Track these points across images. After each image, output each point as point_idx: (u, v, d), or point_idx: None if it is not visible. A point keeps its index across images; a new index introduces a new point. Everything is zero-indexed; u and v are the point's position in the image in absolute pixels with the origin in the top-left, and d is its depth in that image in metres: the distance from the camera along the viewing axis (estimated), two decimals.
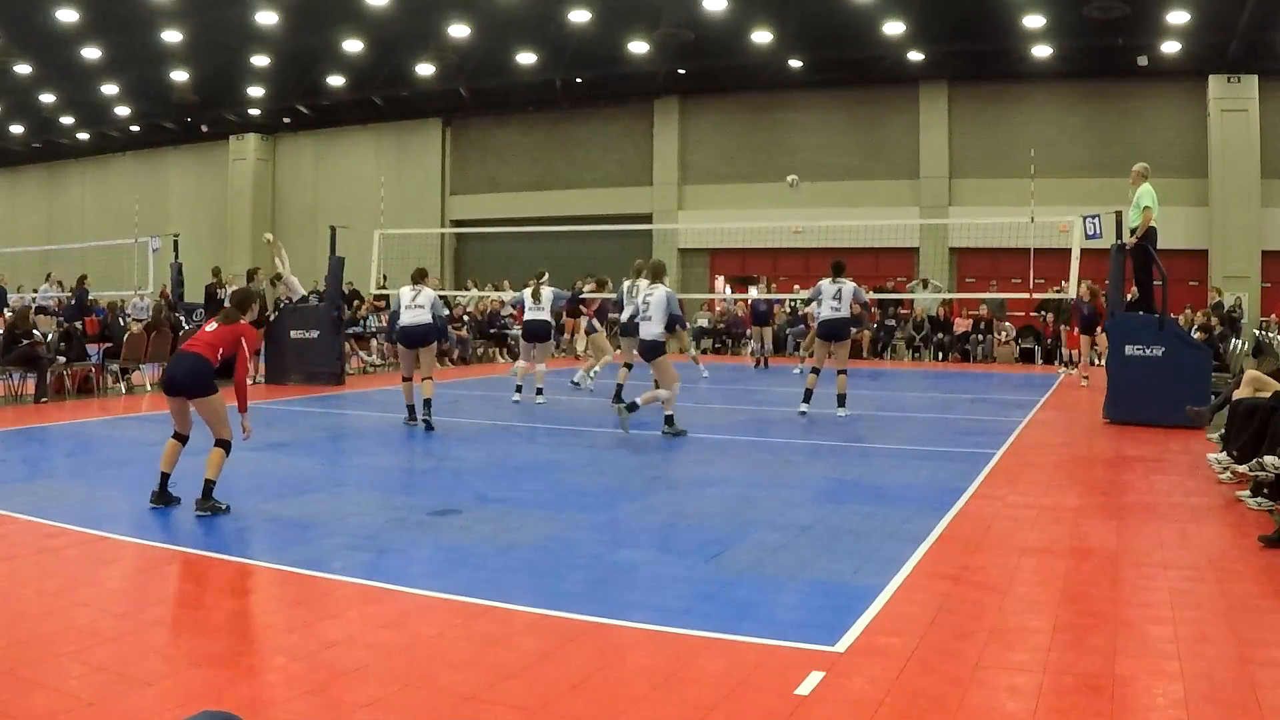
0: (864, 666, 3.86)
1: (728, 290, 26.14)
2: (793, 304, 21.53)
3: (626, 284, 12.55)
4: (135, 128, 33.19)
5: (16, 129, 33.87)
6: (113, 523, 6.13)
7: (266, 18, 23.50)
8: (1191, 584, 4.98)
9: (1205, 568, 5.27)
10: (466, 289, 24.89)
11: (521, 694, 3.61)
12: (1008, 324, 22.39)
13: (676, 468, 8.49)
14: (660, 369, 10.02)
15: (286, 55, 27.00)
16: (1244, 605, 4.65)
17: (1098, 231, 12.43)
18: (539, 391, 12.78)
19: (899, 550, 5.55)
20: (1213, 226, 22.48)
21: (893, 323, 23.08)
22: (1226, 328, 17.16)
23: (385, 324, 16.70)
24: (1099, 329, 15.01)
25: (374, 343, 19.12)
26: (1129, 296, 11.75)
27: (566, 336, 22.25)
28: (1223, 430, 7.89)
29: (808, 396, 11.37)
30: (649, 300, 10.15)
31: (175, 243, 18.07)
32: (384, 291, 18.15)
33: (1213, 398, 9.76)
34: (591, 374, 13.92)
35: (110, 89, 29.46)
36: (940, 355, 22.35)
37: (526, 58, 26.35)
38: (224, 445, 6.42)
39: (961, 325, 22.61)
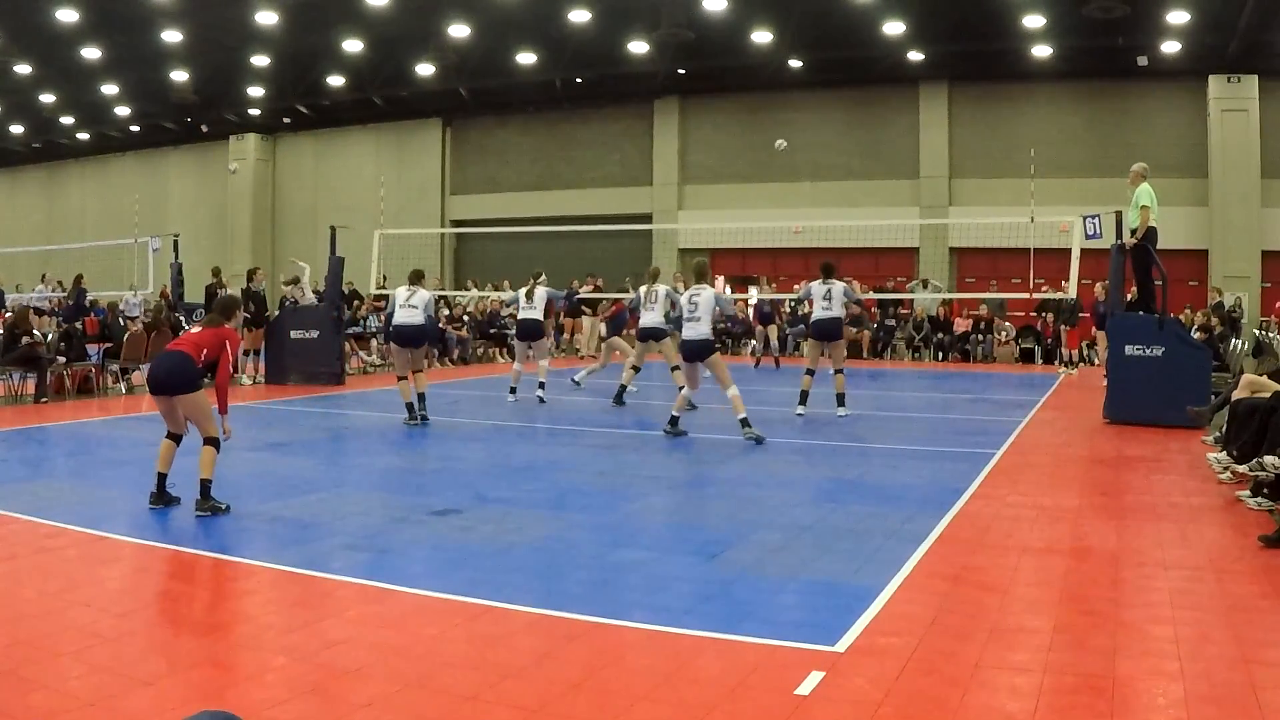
0: (864, 666, 3.86)
1: (728, 290, 26.13)
2: (792, 304, 21.54)
3: (643, 289, 12.56)
4: (135, 128, 33.21)
5: (16, 129, 33.88)
6: (113, 523, 6.13)
7: (266, 18, 23.50)
8: (1191, 584, 4.98)
9: (1205, 568, 5.27)
10: (466, 289, 24.90)
11: (521, 694, 3.61)
12: (1008, 324, 22.40)
13: (676, 468, 8.49)
14: (715, 368, 9.85)
15: (286, 55, 27.01)
16: (1244, 605, 4.65)
17: (1098, 231, 12.44)
18: (540, 385, 12.80)
19: (899, 550, 5.55)
20: (1213, 226, 22.48)
21: (893, 323, 23.08)
22: (1226, 328, 17.15)
23: (384, 324, 16.75)
24: None
25: (374, 343, 19.11)
26: (1129, 296, 11.76)
27: (566, 336, 22.31)
28: (1220, 431, 7.90)
29: (804, 399, 11.37)
30: (696, 300, 9.91)
31: (175, 243, 18.07)
32: (384, 291, 18.15)
33: (1213, 398, 9.75)
34: (589, 373, 14.08)
35: (110, 89, 29.47)
36: (940, 355, 22.35)
37: (526, 58, 26.35)
38: (213, 443, 6.43)
39: (961, 325, 22.61)
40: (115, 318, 18.52)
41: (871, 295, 21.22)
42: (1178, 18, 20.63)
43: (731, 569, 5.23)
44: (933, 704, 3.55)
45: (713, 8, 22.36)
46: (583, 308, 21.55)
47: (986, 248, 22.60)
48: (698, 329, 9.89)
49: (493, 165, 30.22)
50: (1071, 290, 14.24)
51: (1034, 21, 21.60)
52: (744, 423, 9.54)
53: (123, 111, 31.77)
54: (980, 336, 22.26)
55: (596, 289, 21.83)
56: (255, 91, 29.72)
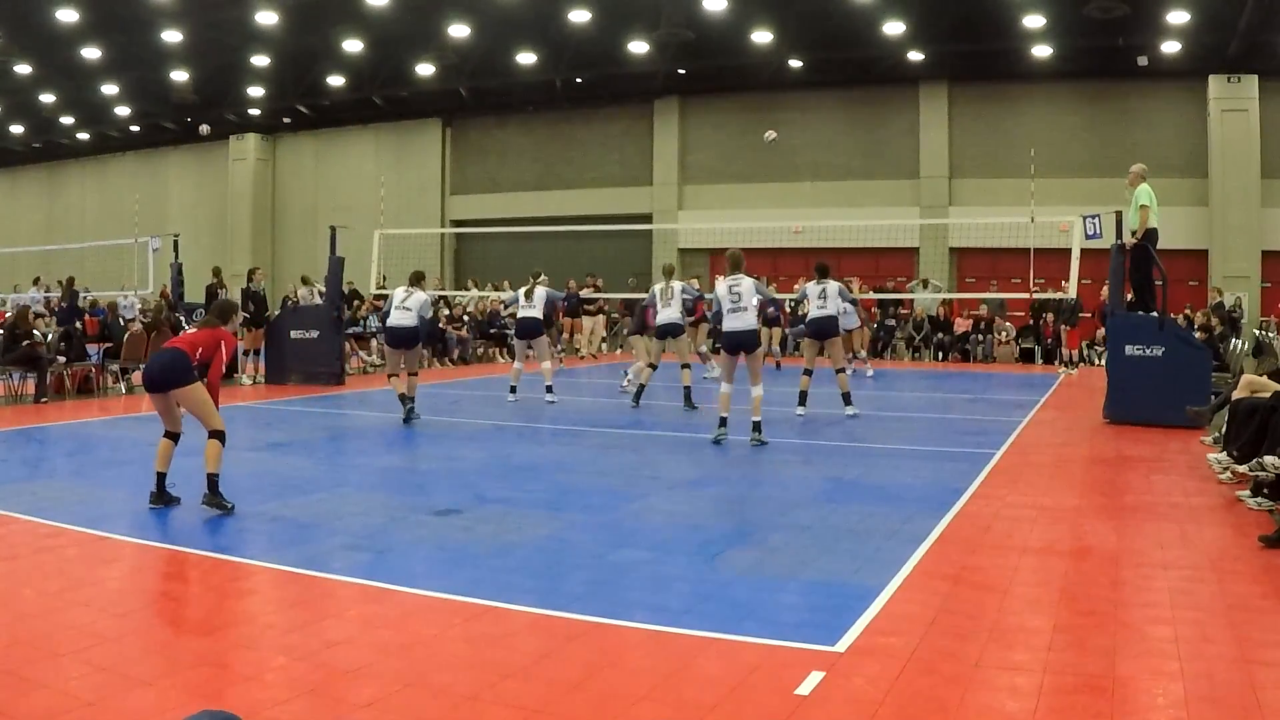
0: (864, 666, 3.86)
1: None
2: (791, 304, 21.54)
3: (658, 286, 12.59)
4: (135, 128, 33.19)
5: (16, 129, 33.87)
6: (113, 523, 6.13)
7: (266, 18, 23.50)
8: (1191, 584, 4.98)
9: (1205, 568, 5.27)
10: (466, 289, 24.90)
11: (521, 694, 3.61)
12: (1008, 324, 22.40)
13: (676, 468, 8.49)
14: (755, 361, 9.58)
15: (286, 55, 27.00)
16: (1244, 605, 4.65)
17: (1098, 231, 12.44)
18: (549, 389, 12.81)
19: (899, 550, 5.55)
20: (1213, 226, 22.47)
21: (893, 323, 23.07)
22: (1226, 328, 17.15)
23: (380, 323, 16.81)
24: None
25: (374, 343, 19.11)
26: (1128, 297, 11.77)
27: (566, 336, 22.30)
28: (1219, 431, 7.89)
29: (803, 399, 11.39)
30: (738, 291, 9.47)
31: (175, 243, 18.07)
32: (383, 291, 18.15)
33: (1213, 398, 9.75)
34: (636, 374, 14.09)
35: (110, 89, 29.46)
36: (940, 355, 22.34)
37: (526, 58, 26.34)
38: (218, 435, 6.42)
39: (961, 325, 22.61)
40: (115, 318, 18.52)
41: (871, 295, 21.21)
42: (1178, 18, 20.63)
43: (731, 569, 5.23)
44: (933, 704, 3.55)
45: (713, 8, 22.35)
46: (584, 307, 21.56)
47: (986, 248, 22.59)
48: (745, 319, 9.46)
49: (493, 165, 30.21)
50: (1071, 290, 14.24)
51: (1034, 21, 21.59)
52: (756, 426, 9.37)
53: (123, 111, 31.75)
54: (980, 336, 22.26)
55: (596, 289, 21.85)
56: (255, 91, 29.71)
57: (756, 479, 7.88)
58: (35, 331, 13.17)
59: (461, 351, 20.42)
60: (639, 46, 24.90)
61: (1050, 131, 23.73)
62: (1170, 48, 21.92)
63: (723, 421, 9.49)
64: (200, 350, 6.50)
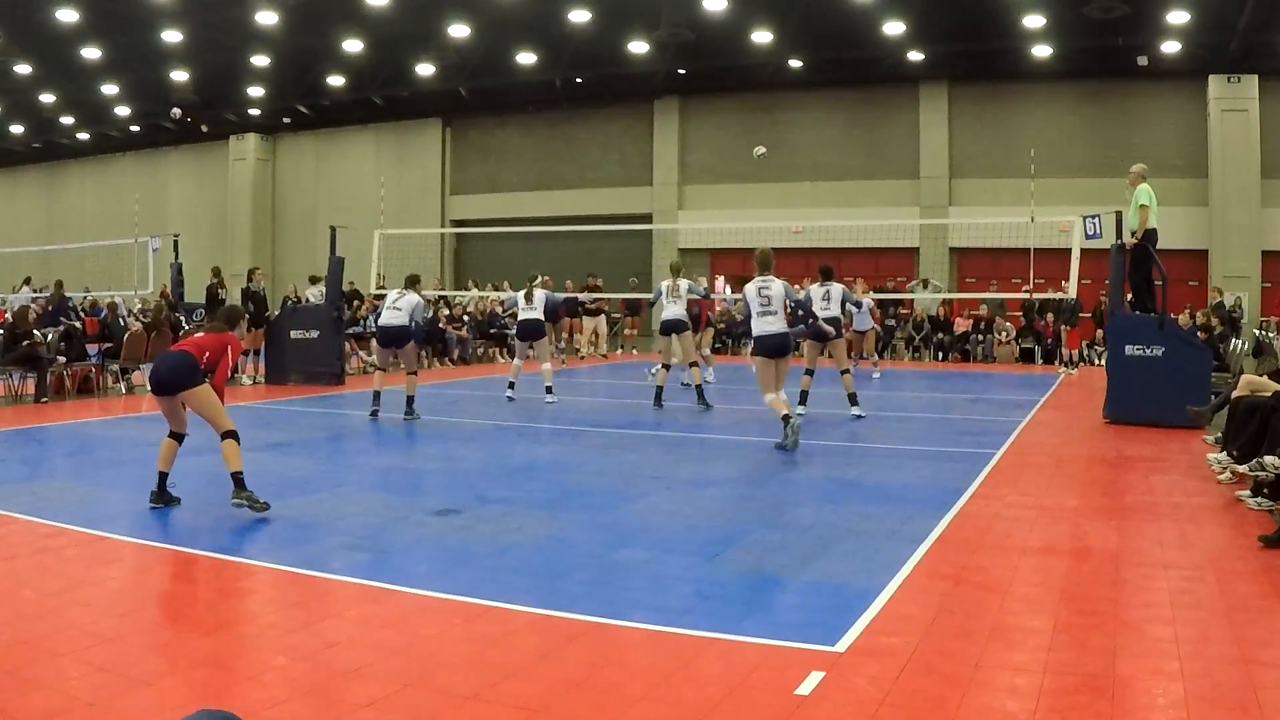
0: (864, 666, 3.86)
1: (728, 290, 26.14)
2: (791, 305, 21.53)
3: (665, 283, 12.60)
4: (135, 128, 33.22)
5: (16, 129, 33.90)
6: (113, 523, 6.13)
7: (266, 18, 23.51)
8: (1191, 584, 4.98)
9: (1205, 568, 5.27)
10: (466, 289, 24.91)
11: (521, 694, 3.61)
12: (1008, 324, 22.40)
13: (676, 468, 8.49)
14: (784, 365, 9.42)
15: (286, 55, 27.01)
16: (1244, 605, 4.65)
17: (1098, 231, 12.44)
18: (548, 390, 12.82)
19: (899, 550, 5.55)
20: (1213, 226, 22.48)
21: (893, 323, 23.07)
22: (1226, 328, 17.15)
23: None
24: None
25: (374, 343, 19.09)
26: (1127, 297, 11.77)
27: (566, 335, 22.29)
28: (1220, 431, 7.89)
29: (803, 399, 11.38)
30: (769, 295, 9.19)
31: (175, 243, 18.07)
32: (383, 291, 18.15)
33: (1213, 398, 9.75)
34: (708, 371, 14.22)
35: (110, 89, 29.47)
36: (940, 355, 22.34)
37: (526, 58, 26.35)
38: (231, 435, 6.41)
39: (961, 325, 22.61)
40: (115, 318, 18.51)
41: (872, 295, 21.20)
42: (1178, 18, 20.64)
43: (731, 569, 5.23)
44: (933, 704, 3.55)
45: (713, 8, 22.36)
46: (585, 306, 21.55)
47: (986, 248, 22.59)
48: (778, 323, 9.17)
49: (493, 165, 30.22)
50: (1071, 290, 14.23)
51: (1034, 21, 21.60)
52: (785, 418, 9.01)
53: (123, 111, 31.77)
54: (980, 336, 22.25)
55: (596, 289, 21.84)
56: (255, 91, 29.73)
57: (757, 479, 7.88)
58: (35, 332, 13.17)
59: (461, 351, 20.41)
60: (639, 46, 24.91)
61: (1050, 131, 23.74)
62: (1170, 48, 21.94)
63: (786, 419, 9.00)
64: (207, 354, 6.50)
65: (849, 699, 3.57)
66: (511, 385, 12.97)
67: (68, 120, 32.88)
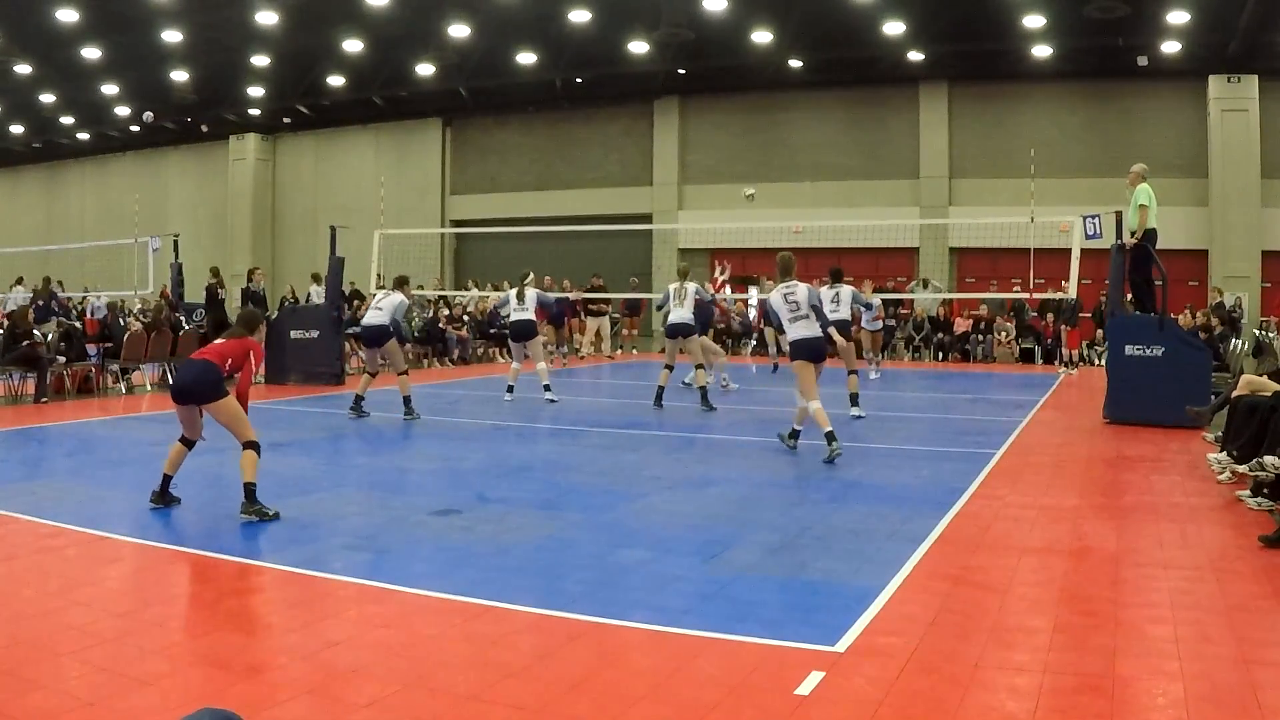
0: (864, 666, 3.86)
1: (727, 290, 26.11)
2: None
3: (672, 286, 12.61)
4: (135, 128, 33.20)
5: (16, 129, 33.88)
6: (113, 523, 6.13)
7: (266, 18, 23.50)
8: (1191, 584, 4.98)
9: (1205, 568, 5.27)
10: (466, 289, 24.90)
11: (521, 694, 3.61)
12: (1008, 324, 22.39)
13: (676, 468, 8.49)
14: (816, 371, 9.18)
15: (286, 55, 27.00)
16: (1244, 605, 4.65)
17: (1098, 231, 12.44)
18: (547, 389, 12.81)
19: (899, 550, 5.55)
20: (1213, 226, 22.47)
21: (893, 323, 23.06)
22: (1226, 328, 17.15)
23: None
24: None
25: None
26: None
27: (566, 335, 22.27)
28: (1220, 431, 7.88)
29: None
30: (795, 300, 8.93)
31: (175, 243, 18.07)
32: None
33: (1213, 398, 9.75)
34: (722, 374, 14.26)
35: (110, 89, 29.46)
36: (940, 355, 22.34)
37: (526, 58, 26.34)
38: (252, 446, 6.38)
39: (961, 325, 22.61)
40: (115, 318, 18.51)
41: (879, 297, 21.20)
42: (1178, 18, 20.63)
43: (731, 569, 5.23)
44: (933, 704, 3.55)
45: (713, 8, 22.35)
46: (590, 306, 21.54)
47: (986, 248, 22.56)
48: (811, 327, 8.86)
49: (493, 165, 30.21)
50: (1071, 290, 14.23)
51: (1034, 21, 21.59)
52: (829, 436, 8.53)
53: (123, 111, 31.76)
54: (980, 336, 22.25)
55: (599, 289, 21.83)
56: (255, 91, 29.72)
57: (757, 479, 7.88)
58: (35, 331, 13.17)
59: (461, 351, 20.41)
60: (639, 46, 24.90)
61: (1050, 131, 23.73)
62: (1170, 48, 21.93)
63: (830, 436, 8.50)
64: (230, 361, 6.49)
65: (849, 699, 3.57)
66: (510, 389, 12.96)
67: (68, 120, 32.87)
